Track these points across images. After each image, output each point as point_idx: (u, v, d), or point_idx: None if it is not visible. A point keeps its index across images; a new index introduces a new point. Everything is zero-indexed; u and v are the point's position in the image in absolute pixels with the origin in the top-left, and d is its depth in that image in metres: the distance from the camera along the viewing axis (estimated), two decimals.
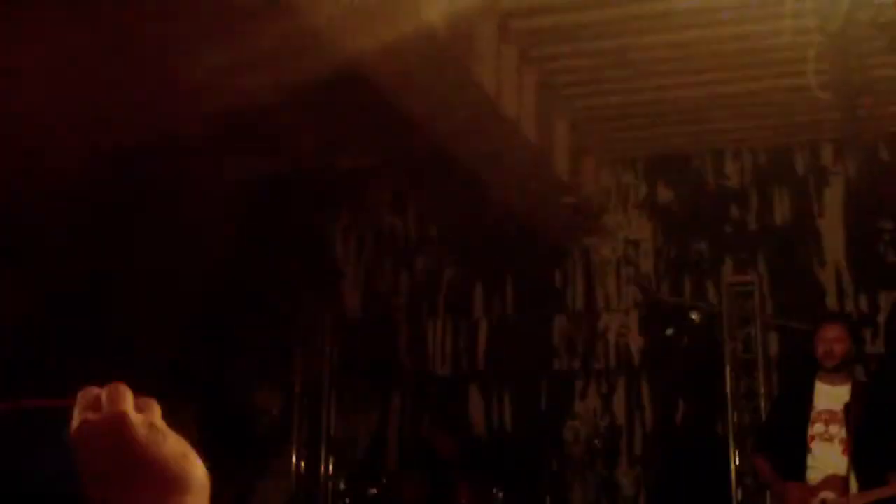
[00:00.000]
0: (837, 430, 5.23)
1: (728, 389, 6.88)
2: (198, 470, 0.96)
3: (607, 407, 7.56)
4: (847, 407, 5.22)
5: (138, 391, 0.98)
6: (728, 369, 6.94)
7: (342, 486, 7.17)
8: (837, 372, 5.30)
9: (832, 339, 5.35)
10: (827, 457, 5.20)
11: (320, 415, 7.48)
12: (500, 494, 6.33)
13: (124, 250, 6.26)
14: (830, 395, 5.31)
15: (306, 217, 7.73)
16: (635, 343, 7.61)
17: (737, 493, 6.65)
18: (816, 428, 5.28)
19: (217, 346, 6.83)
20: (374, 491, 6.64)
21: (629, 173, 7.83)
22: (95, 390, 0.96)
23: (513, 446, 7.46)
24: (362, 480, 6.87)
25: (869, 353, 7.05)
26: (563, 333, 7.72)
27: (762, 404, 6.70)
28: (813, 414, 5.31)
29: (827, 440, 5.24)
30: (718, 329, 7.09)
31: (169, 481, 0.94)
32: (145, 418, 0.96)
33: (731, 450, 6.68)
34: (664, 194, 7.75)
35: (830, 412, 5.28)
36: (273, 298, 7.28)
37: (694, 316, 7.38)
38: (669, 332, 7.45)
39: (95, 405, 0.95)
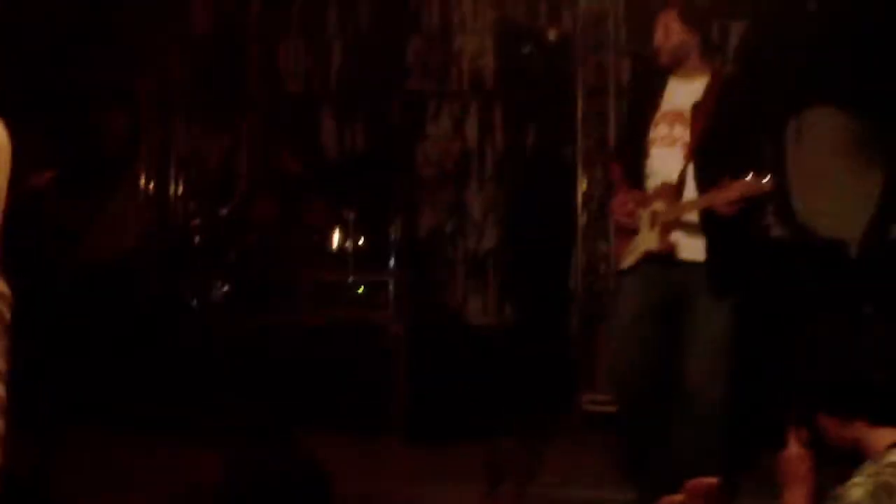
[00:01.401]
0: (682, 132, 4.59)
1: (578, 115, 6.97)
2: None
3: (459, 129, 7.59)
4: (696, 105, 4.60)
5: None
6: (579, 95, 7.01)
7: (192, 205, 7.16)
8: (681, 66, 4.65)
9: (661, 29, 4.70)
10: (666, 162, 4.61)
11: (170, 135, 7.37)
12: (351, 215, 6.38)
13: None
14: (683, 93, 4.66)
15: None
16: (489, 66, 7.58)
17: (582, 216, 6.84)
18: (660, 130, 4.66)
19: (59, 65, 6.56)
20: (224, 211, 6.63)
21: None
22: None
23: (364, 167, 7.49)
24: (213, 200, 6.85)
25: None
26: (417, 54, 7.64)
27: (611, 131, 6.79)
28: (658, 115, 4.69)
29: (669, 144, 4.62)
30: (572, 54, 7.12)
31: None
32: None
33: (579, 174, 6.82)
34: None
35: (677, 112, 4.64)
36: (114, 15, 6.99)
37: (551, 34, 7.38)
38: (526, 50, 7.46)
39: None
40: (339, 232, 6.34)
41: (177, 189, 7.36)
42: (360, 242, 6.35)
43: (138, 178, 7.26)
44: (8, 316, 0.70)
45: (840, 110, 6.86)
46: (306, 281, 6.29)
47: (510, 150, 7.51)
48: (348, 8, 7.68)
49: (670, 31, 4.65)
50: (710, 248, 4.54)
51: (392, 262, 6.33)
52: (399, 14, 7.62)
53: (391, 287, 6.26)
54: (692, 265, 4.55)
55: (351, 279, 6.30)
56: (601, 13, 7.09)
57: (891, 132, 6.74)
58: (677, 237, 4.57)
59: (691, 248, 4.56)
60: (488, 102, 7.56)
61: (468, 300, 7.42)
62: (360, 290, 6.31)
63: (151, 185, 7.32)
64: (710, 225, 4.51)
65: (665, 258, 4.56)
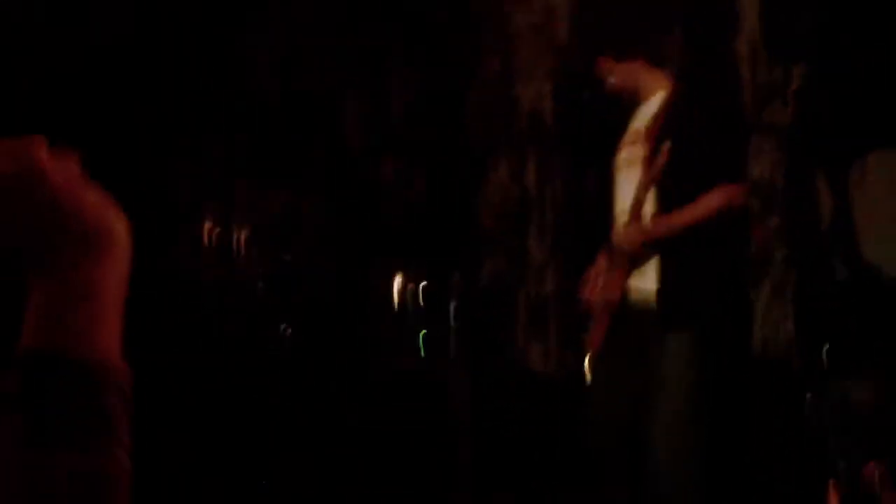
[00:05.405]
0: (641, 150, 4.33)
1: None
2: (120, 226, 0.93)
3: (519, 177, 7.59)
4: (655, 117, 4.29)
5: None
6: None
7: (256, 252, 7.20)
8: (637, 92, 4.44)
9: (604, 77, 4.48)
10: (628, 186, 4.36)
11: (233, 187, 7.43)
12: (413, 265, 6.42)
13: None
14: (643, 114, 4.42)
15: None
16: (548, 112, 7.58)
17: None
18: (622, 155, 4.42)
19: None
20: (288, 258, 6.70)
21: None
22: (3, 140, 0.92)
23: (424, 219, 7.51)
24: (277, 248, 6.91)
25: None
26: (476, 104, 7.66)
27: None
28: (624, 140, 4.45)
29: (630, 164, 4.38)
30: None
31: (89, 235, 0.90)
32: (62, 167, 0.92)
33: None
34: None
35: (636, 132, 4.41)
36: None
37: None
38: (586, 95, 7.45)
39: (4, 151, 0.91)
40: (401, 282, 6.36)
41: (240, 236, 7.40)
42: (422, 293, 6.37)
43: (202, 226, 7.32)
44: (129, 394, 0.76)
45: None
46: (369, 330, 6.33)
47: (570, 196, 7.49)
48: (406, 59, 7.73)
49: (612, 74, 4.48)
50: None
51: (453, 312, 6.33)
52: (457, 64, 7.66)
53: (453, 336, 6.25)
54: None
55: (414, 329, 6.32)
56: None
57: None
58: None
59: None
60: (547, 149, 7.54)
61: (530, 347, 7.40)
62: (422, 340, 6.33)
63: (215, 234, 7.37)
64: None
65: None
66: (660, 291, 4.21)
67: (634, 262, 4.29)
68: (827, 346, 6.18)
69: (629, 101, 4.65)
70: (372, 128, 7.73)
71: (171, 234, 7.45)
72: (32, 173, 0.88)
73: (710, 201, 4.19)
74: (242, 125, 7.41)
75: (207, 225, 7.25)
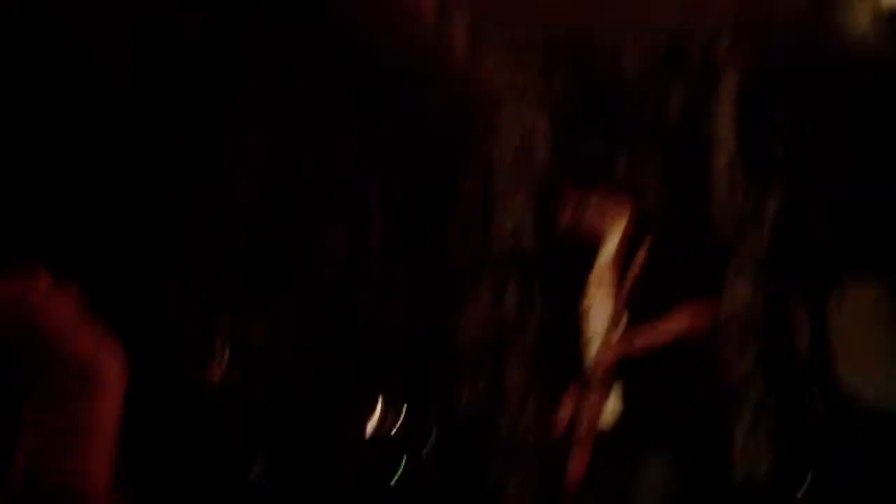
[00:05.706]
0: (608, 285, 4.45)
1: None
2: (115, 363, 0.95)
3: (499, 303, 7.58)
4: (617, 250, 4.41)
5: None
6: None
7: (235, 380, 7.18)
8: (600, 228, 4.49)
9: (566, 220, 4.61)
10: (599, 321, 4.44)
11: (212, 319, 7.43)
12: (390, 396, 6.39)
13: None
14: (608, 247, 4.54)
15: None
16: (529, 238, 7.61)
17: None
18: (591, 292, 4.51)
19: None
20: (267, 394, 6.69)
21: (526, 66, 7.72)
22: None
23: (403, 344, 7.49)
24: (256, 383, 6.90)
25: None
26: (456, 228, 7.69)
27: None
28: (591, 278, 4.54)
29: (599, 300, 4.46)
30: None
31: (83, 372, 0.93)
32: (60, 304, 0.94)
33: None
34: (560, 88, 7.66)
35: (607, 265, 4.50)
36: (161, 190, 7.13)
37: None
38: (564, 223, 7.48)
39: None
40: (377, 414, 6.35)
41: (219, 366, 7.39)
42: (398, 424, 6.35)
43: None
44: None
45: (883, 283, 6.81)
46: (343, 461, 6.29)
47: (552, 324, 7.47)
48: (387, 185, 7.77)
49: (575, 217, 4.56)
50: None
51: (430, 444, 6.31)
52: (438, 190, 7.70)
53: (429, 469, 6.22)
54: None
55: (388, 461, 6.29)
56: None
57: None
58: None
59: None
60: (528, 274, 7.55)
61: (508, 476, 7.33)
62: (398, 473, 6.30)
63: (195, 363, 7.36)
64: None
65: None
66: (624, 412, 4.20)
67: (610, 383, 4.28)
68: (809, 476, 6.16)
69: (595, 241, 4.68)
70: (351, 255, 7.75)
71: (151, 363, 7.43)
72: (31, 312, 0.90)
73: (676, 321, 4.17)
74: (223, 256, 7.43)
75: (187, 352, 7.25)
